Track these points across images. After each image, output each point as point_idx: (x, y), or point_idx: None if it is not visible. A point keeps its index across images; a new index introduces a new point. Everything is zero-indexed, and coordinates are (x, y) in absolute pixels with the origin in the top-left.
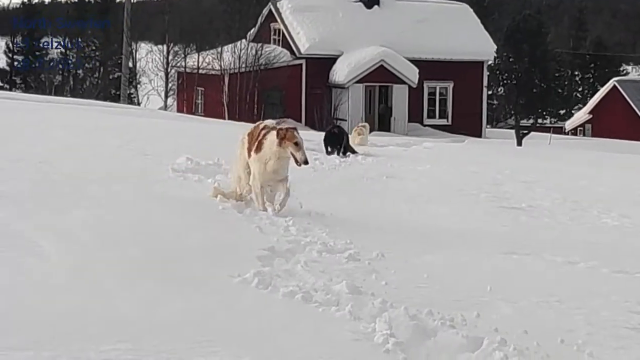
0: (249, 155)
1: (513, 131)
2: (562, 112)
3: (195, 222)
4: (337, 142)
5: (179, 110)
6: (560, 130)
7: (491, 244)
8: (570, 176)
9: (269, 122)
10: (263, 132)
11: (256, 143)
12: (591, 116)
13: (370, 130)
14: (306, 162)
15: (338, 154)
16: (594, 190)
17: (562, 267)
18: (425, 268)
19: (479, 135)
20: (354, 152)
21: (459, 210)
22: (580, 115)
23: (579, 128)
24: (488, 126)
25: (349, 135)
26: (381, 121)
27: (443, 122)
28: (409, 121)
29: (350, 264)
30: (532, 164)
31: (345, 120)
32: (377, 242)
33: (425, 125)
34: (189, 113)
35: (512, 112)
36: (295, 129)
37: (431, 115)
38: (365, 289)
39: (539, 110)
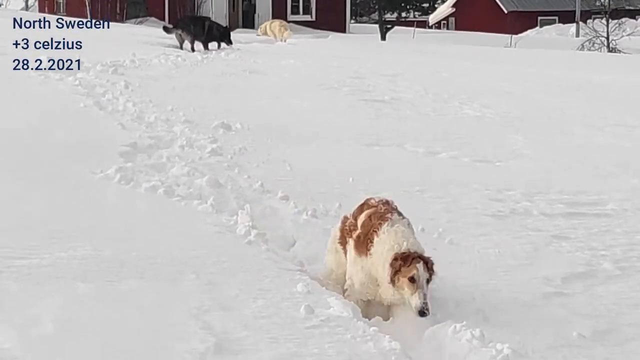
0: (344, 240)
1: (377, 26)
2: (425, 5)
3: (57, 119)
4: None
5: (41, 10)
6: (424, 24)
7: (353, 136)
8: (433, 69)
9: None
10: (378, 221)
11: (364, 233)
12: (454, 10)
13: (234, 28)
14: (422, 312)
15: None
16: (456, 82)
17: (423, 157)
18: (288, 161)
19: (343, 31)
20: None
21: (321, 104)
22: (444, 9)
23: (442, 22)
24: (352, 21)
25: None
26: (245, 18)
27: (307, 18)
28: (273, 17)
29: (213, 159)
30: (395, 58)
31: (209, 18)
32: (239, 136)
33: (289, 22)
34: (51, 13)
35: (376, 6)
36: (422, 259)
37: (295, 11)
38: (227, 183)
39: (402, 5)
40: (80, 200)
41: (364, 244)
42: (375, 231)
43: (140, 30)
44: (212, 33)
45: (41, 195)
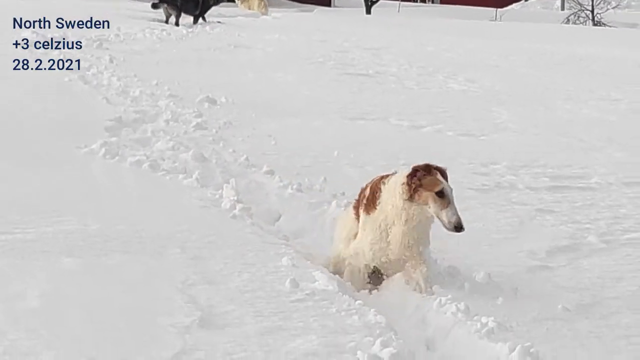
0: (356, 212)
1: (362, 0)
2: None
3: (40, 95)
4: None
5: None
6: None
7: (338, 110)
8: (417, 43)
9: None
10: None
11: (367, 195)
12: None
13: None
14: (459, 227)
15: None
16: (441, 56)
17: (408, 131)
18: (273, 135)
19: (328, 5)
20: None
21: (305, 78)
22: None
23: None
24: None
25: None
26: None
27: None
28: None
29: (198, 133)
30: (380, 32)
31: None
32: (224, 110)
33: None
34: None
35: None
36: (439, 170)
37: None
38: (212, 157)
39: None
40: (65, 175)
41: (372, 202)
42: (380, 187)
43: (124, 4)
44: (208, 4)
45: (25, 170)
